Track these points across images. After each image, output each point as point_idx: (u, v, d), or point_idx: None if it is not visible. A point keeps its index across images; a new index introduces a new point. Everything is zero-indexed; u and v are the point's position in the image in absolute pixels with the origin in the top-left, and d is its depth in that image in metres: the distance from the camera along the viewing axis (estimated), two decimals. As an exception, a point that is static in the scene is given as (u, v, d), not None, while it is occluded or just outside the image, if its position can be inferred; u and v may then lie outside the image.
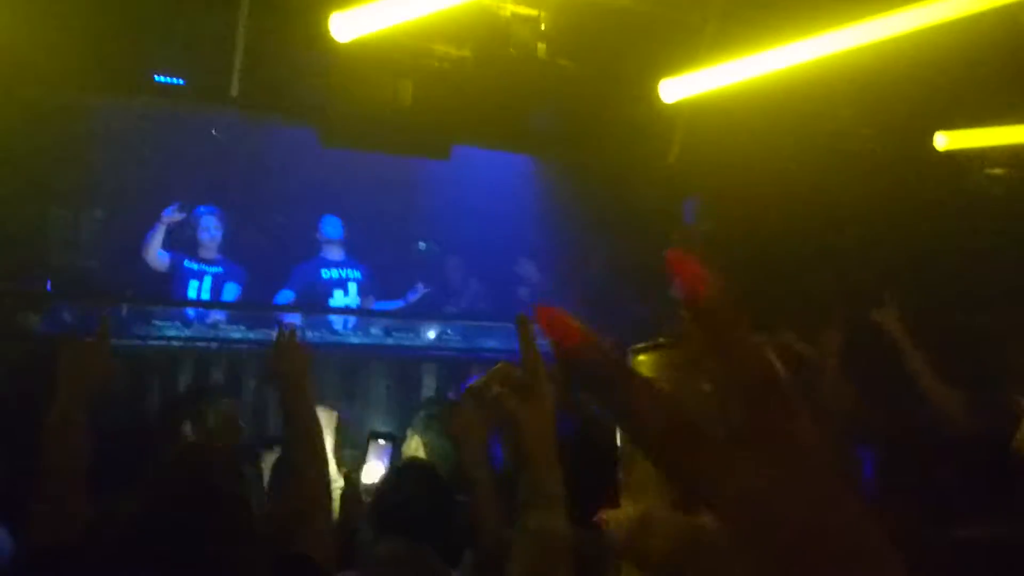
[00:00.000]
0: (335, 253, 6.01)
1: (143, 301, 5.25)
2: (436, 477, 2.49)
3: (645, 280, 6.20)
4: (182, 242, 5.66)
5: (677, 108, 5.03)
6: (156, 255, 5.51)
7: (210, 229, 5.65)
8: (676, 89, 5.11)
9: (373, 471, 2.92)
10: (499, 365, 1.25)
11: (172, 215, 5.51)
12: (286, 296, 5.78)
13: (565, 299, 5.98)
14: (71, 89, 5.04)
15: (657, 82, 4.93)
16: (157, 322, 5.03)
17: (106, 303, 5.06)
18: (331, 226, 6.02)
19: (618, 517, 0.97)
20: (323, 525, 2.12)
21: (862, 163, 5.63)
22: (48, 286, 4.92)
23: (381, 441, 2.99)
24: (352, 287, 5.99)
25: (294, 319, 5.40)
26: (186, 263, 5.62)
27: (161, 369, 4.81)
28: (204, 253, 5.69)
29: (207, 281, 5.64)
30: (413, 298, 6.00)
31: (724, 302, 0.50)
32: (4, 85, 4.53)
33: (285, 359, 2.23)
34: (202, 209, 5.68)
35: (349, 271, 6.01)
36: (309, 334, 5.34)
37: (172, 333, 4.98)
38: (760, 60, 4.63)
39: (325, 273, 5.95)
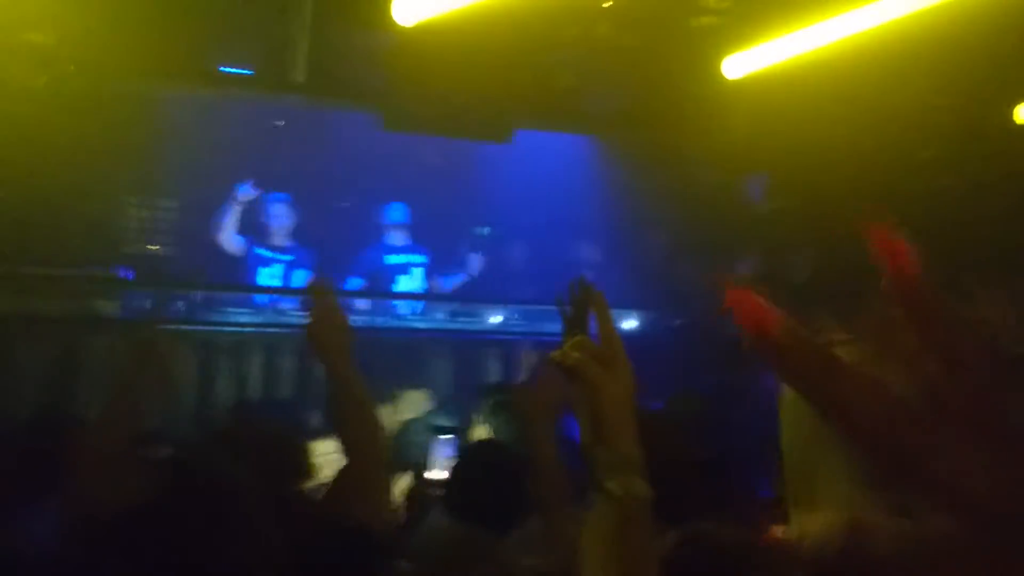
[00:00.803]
0: (399, 239, 6.05)
1: (216, 287, 5.35)
2: (509, 457, 2.48)
3: (710, 259, 6.11)
4: (253, 228, 5.74)
5: (742, 83, 4.91)
6: (230, 237, 5.59)
7: (280, 216, 5.72)
8: (740, 65, 4.99)
9: (437, 467, 2.91)
10: (578, 337, 1.23)
11: (247, 193, 5.56)
12: (354, 283, 5.84)
13: (630, 281, 5.92)
14: (141, 80, 5.15)
15: (721, 58, 4.83)
16: (229, 309, 5.13)
17: (180, 289, 5.18)
18: (396, 211, 6.06)
19: (808, 529, 0.95)
20: (379, 495, 2.08)
21: (938, 135, 5.43)
22: (126, 274, 5.05)
23: (446, 436, 2.97)
24: (417, 272, 6.02)
25: (362, 304, 5.45)
26: (256, 250, 5.71)
27: (232, 355, 4.92)
28: (275, 240, 5.78)
29: (277, 268, 5.72)
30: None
31: (930, 285, 0.47)
32: (75, 77, 4.66)
33: (322, 323, 2.08)
34: (272, 196, 5.76)
35: (413, 256, 6.05)
36: (376, 319, 5.42)
37: (243, 319, 5.07)
38: (826, 28, 4.47)
39: (389, 259, 5.99)
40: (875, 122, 5.27)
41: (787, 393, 1.14)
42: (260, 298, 5.47)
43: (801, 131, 5.17)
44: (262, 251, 5.73)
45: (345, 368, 2.06)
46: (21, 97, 4.56)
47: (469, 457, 2.64)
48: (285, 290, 5.62)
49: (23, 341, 4.29)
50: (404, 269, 6.00)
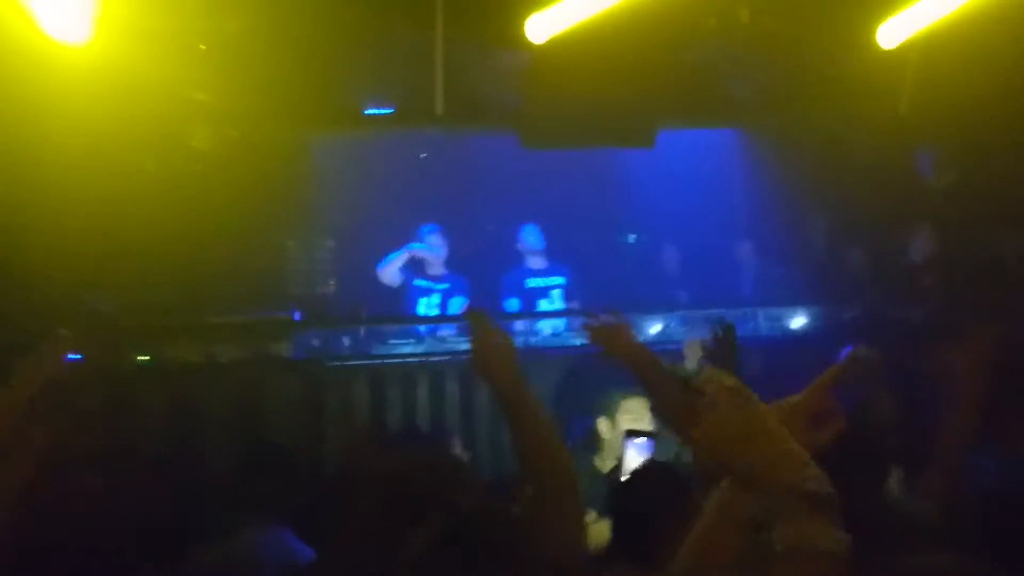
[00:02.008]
0: (537, 262, 6.07)
1: (381, 320, 5.52)
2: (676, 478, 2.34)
3: (878, 247, 5.71)
4: (410, 261, 5.89)
5: (902, 52, 4.56)
6: (394, 274, 5.78)
7: (434, 246, 5.85)
8: (897, 30, 4.64)
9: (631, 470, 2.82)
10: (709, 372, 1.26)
11: (417, 251, 5.77)
12: (512, 305, 5.89)
13: (793, 276, 5.63)
14: (294, 129, 5.40)
15: (875, 28, 4.50)
16: (393, 341, 5.27)
17: (347, 325, 5.37)
18: (530, 235, 6.09)
19: None
20: (572, 528, 1.98)
21: None
22: (295, 315, 5.30)
23: (639, 440, 2.89)
24: (556, 293, 6.02)
25: (518, 326, 5.47)
26: (415, 281, 5.87)
27: (401, 385, 5.02)
28: (431, 270, 5.91)
29: (436, 297, 5.86)
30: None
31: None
32: (233, 131, 4.94)
33: (487, 349, 2.05)
34: (424, 228, 5.90)
35: (552, 278, 6.05)
36: (526, 340, 5.41)
37: (408, 350, 5.19)
38: None
39: (530, 282, 6.02)
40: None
41: None
42: (422, 328, 5.60)
43: (971, 99, 4.74)
44: (420, 282, 5.87)
45: (517, 390, 2.01)
46: (187, 155, 4.89)
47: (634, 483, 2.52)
48: (448, 318, 5.73)
49: (208, 386, 4.54)
50: (544, 292, 6.01)
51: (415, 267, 5.90)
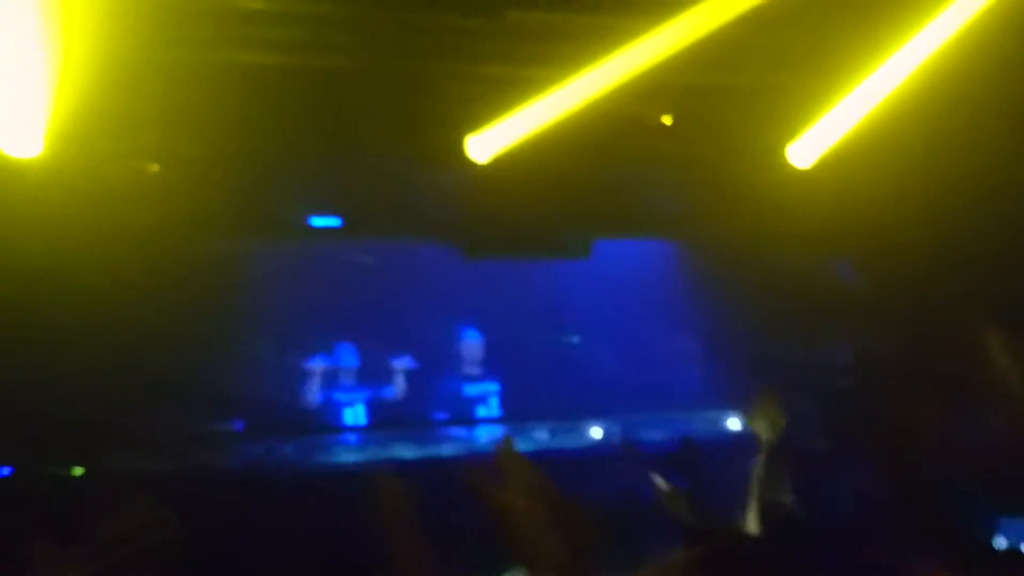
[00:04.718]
0: (472, 368, 6.20)
1: (314, 431, 5.57)
2: None
3: (805, 340, 6.00)
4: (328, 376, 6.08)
5: (814, 170, 4.94)
6: (308, 398, 5.99)
7: (347, 360, 6.09)
8: (807, 149, 5.01)
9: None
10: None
11: (316, 364, 6.02)
12: (439, 415, 6.00)
13: (729, 373, 5.84)
14: (239, 238, 5.51)
15: (782, 148, 4.89)
16: (335, 448, 5.31)
17: (285, 435, 5.37)
18: (468, 342, 6.24)
19: None
20: None
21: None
22: (236, 426, 5.29)
23: None
24: (493, 400, 6.14)
25: (457, 434, 5.58)
26: (334, 395, 6.07)
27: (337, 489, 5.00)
28: (346, 382, 6.13)
29: (359, 407, 6.06)
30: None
31: None
32: (179, 238, 5.01)
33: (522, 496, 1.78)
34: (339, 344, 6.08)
35: (488, 384, 6.17)
36: (462, 447, 5.50)
37: (349, 458, 5.23)
38: (879, 81, 4.35)
39: (466, 389, 6.13)
40: (959, 186, 5.09)
41: None
42: (350, 436, 5.70)
43: (881, 208, 5.12)
44: (338, 395, 6.06)
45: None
46: (132, 267, 4.92)
47: None
48: (373, 426, 5.81)
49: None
50: (481, 399, 6.14)
51: (331, 380, 6.08)
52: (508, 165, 4.64)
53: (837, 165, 5.00)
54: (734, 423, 5.68)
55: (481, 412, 6.12)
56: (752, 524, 2.69)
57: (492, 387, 6.22)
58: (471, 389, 6.19)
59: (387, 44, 4.02)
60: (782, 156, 4.80)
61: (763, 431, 2.92)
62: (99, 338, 4.68)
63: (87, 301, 4.67)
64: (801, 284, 5.92)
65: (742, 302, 6.34)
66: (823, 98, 4.57)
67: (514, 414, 6.05)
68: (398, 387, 6.09)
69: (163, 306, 4.91)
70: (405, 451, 5.35)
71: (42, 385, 4.66)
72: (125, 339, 4.76)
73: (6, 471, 4.72)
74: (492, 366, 6.29)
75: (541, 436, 5.61)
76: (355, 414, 6.04)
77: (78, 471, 4.74)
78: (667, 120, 4.41)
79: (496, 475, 1.88)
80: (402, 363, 6.19)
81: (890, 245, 5.46)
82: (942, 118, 4.52)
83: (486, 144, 4.37)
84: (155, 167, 4.33)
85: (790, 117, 4.73)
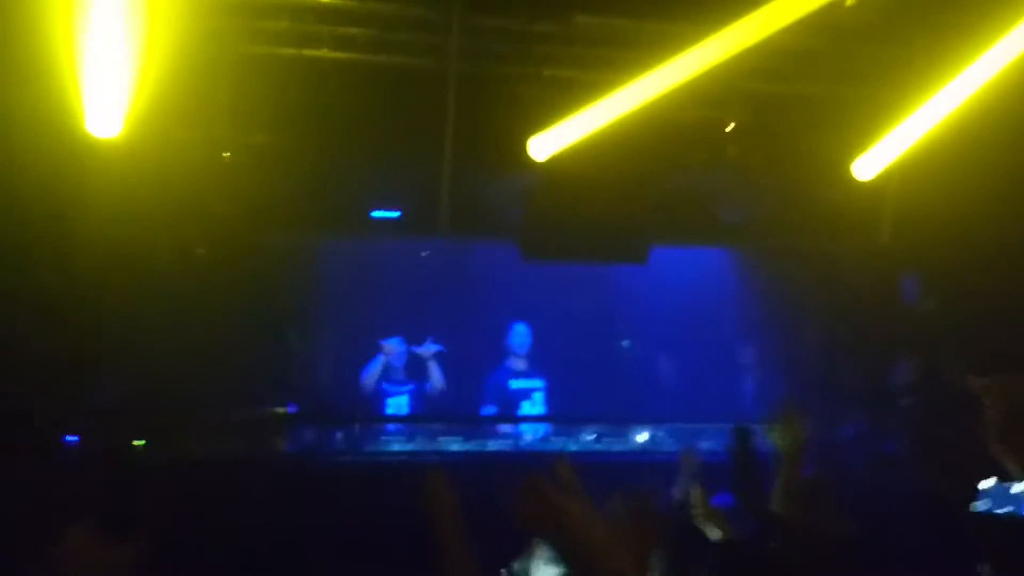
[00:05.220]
0: (520, 363, 6.23)
1: (373, 420, 5.65)
2: None
3: (862, 361, 5.86)
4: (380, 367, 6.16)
5: (883, 183, 4.85)
6: (359, 388, 6.07)
7: (396, 355, 6.12)
8: (871, 163, 4.91)
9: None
10: None
11: (391, 348, 6.08)
12: (487, 410, 6.03)
13: (785, 384, 5.74)
14: (302, 230, 5.64)
15: (848, 160, 4.80)
16: (384, 438, 5.39)
17: (341, 424, 5.47)
18: (517, 337, 6.26)
19: None
20: None
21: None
22: (291, 409, 5.40)
23: None
24: (538, 396, 6.15)
25: (503, 429, 5.62)
26: (383, 384, 6.14)
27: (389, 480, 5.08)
28: (394, 375, 6.18)
29: (403, 399, 6.12)
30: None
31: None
32: (246, 224, 5.15)
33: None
34: (389, 340, 6.14)
35: (534, 380, 6.20)
36: (508, 443, 5.52)
37: (397, 447, 5.30)
38: (947, 97, 4.23)
39: (513, 383, 6.17)
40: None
41: None
42: (398, 427, 5.78)
43: (951, 224, 4.98)
44: (386, 385, 6.14)
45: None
46: (196, 253, 5.09)
47: None
48: (424, 417, 5.90)
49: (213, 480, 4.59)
50: (526, 394, 6.15)
51: (383, 372, 6.16)
52: (571, 168, 4.66)
53: (903, 179, 4.91)
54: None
55: (528, 409, 6.11)
56: (764, 539, 2.66)
57: (539, 384, 6.22)
58: (519, 385, 6.20)
59: (455, 45, 4.09)
60: (847, 167, 4.72)
61: (783, 443, 2.85)
62: (164, 316, 4.84)
63: (154, 280, 4.84)
64: (865, 297, 5.80)
65: (803, 314, 6.23)
66: (890, 112, 4.48)
67: (561, 414, 6.04)
68: (446, 381, 6.15)
69: (226, 289, 5.05)
70: (452, 444, 5.40)
71: (105, 359, 4.85)
72: (188, 317, 4.91)
73: (74, 439, 4.92)
74: (542, 364, 6.29)
75: (587, 438, 5.59)
76: (403, 405, 6.11)
77: (139, 443, 4.91)
78: (732, 127, 4.38)
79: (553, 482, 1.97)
80: (452, 357, 6.26)
81: (958, 261, 5.31)
82: (1011, 134, 4.40)
83: (548, 144, 4.40)
84: (227, 155, 4.47)
85: (857, 129, 4.65)
